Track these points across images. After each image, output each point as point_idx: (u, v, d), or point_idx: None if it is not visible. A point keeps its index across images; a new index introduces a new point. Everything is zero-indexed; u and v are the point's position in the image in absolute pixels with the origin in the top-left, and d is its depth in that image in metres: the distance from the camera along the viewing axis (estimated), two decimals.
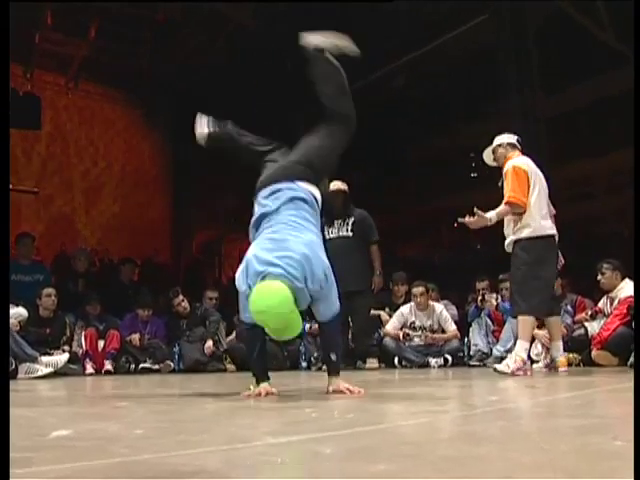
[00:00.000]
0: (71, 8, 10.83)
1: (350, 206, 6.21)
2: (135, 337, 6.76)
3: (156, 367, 6.73)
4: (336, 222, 6.15)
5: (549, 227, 4.70)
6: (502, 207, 4.66)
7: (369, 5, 9.91)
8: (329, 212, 6.12)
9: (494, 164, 5.03)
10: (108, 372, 6.45)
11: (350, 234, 6.11)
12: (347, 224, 6.14)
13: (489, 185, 12.28)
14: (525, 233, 4.63)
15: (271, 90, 12.93)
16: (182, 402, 3.36)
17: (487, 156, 5.13)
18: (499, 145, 4.99)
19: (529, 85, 9.41)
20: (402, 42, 10.86)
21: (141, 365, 6.71)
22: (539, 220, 4.62)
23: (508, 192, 4.63)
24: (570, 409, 2.63)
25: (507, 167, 4.72)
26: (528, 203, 4.62)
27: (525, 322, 4.59)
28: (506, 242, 4.79)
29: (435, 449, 1.60)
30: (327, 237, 6.09)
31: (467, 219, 4.62)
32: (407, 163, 12.63)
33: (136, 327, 6.89)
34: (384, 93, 12.43)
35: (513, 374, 4.42)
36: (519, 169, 4.67)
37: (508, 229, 4.79)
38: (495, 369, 4.62)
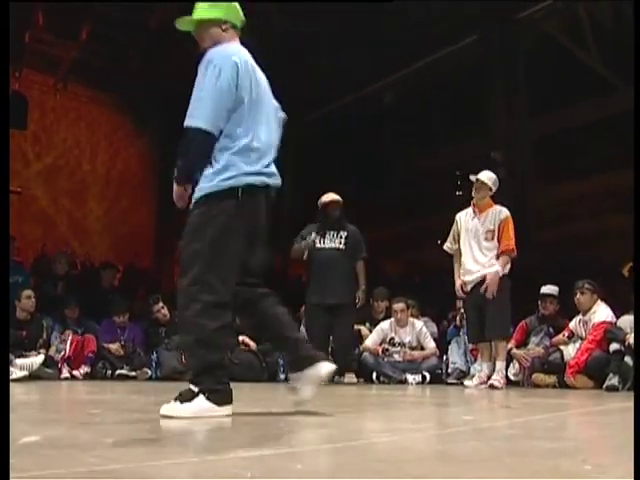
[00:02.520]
0: (63, 9, 10.80)
1: (343, 219, 6.25)
2: (115, 346, 6.70)
3: (133, 374, 6.67)
4: (328, 233, 6.17)
5: None
6: (505, 257, 5.36)
7: (369, 5, 9.97)
8: (323, 222, 6.15)
9: (482, 189, 5.30)
10: (85, 375, 6.38)
11: (342, 247, 6.14)
12: (340, 237, 6.17)
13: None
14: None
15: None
16: (156, 411, 3.33)
17: (488, 179, 5.51)
18: (493, 184, 5.42)
19: (516, 107, 9.52)
20: (392, 60, 10.95)
21: (118, 371, 6.65)
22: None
23: (508, 241, 5.30)
24: (543, 431, 2.64)
25: (505, 216, 5.33)
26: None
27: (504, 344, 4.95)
28: (480, 273, 5.09)
29: (405, 468, 1.60)
30: (318, 246, 6.11)
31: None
32: (392, 180, 12.71)
33: (114, 333, 6.83)
34: (372, 109, 12.51)
35: (492, 387, 4.63)
36: (511, 220, 5.34)
37: (477, 263, 5.09)
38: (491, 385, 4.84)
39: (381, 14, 10.81)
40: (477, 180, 5.37)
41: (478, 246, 5.29)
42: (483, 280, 5.27)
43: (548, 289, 6.39)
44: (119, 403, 3.91)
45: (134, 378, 6.61)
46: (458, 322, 6.77)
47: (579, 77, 10.75)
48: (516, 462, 1.75)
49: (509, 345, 6.36)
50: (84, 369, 6.42)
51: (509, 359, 6.32)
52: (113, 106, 15.13)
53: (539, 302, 6.39)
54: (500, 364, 5.20)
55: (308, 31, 11.57)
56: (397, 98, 11.80)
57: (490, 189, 5.45)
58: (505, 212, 5.27)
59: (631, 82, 11.26)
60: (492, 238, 5.37)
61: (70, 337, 6.50)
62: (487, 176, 5.42)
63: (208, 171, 2.73)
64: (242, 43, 3.09)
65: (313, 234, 6.11)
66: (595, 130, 11.57)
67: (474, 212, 5.52)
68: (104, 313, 7.15)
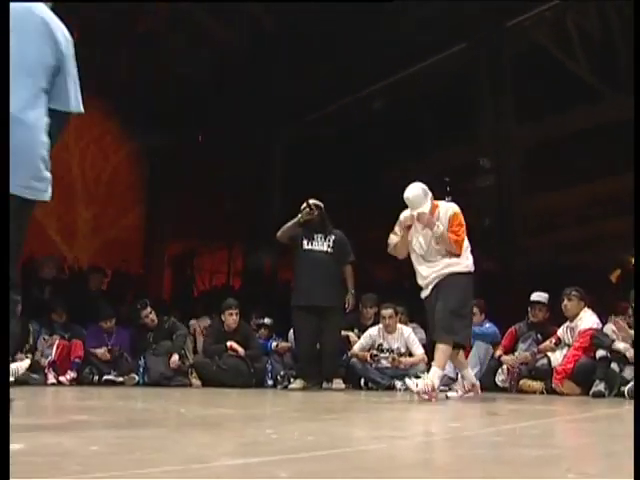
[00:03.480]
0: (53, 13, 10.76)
1: (329, 223, 6.25)
2: (102, 351, 6.65)
3: (120, 379, 6.62)
4: (316, 236, 6.17)
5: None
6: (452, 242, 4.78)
7: (369, 5, 10.01)
8: (309, 227, 6.14)
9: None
10: (72, 381, 6.34)
11: (330, 250, 6.14)
12: (328, 240, 6.17)
13: (464, 210, 12.41)
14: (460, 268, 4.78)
15: (251, 107, 12.99)
16: (142, 417, 3.33)
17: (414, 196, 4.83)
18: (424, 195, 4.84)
19: (503, 114, 9.58)
20: (382, 66, 11.00)
21: (105, 377, 6.60)
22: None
23: (453, 235, 4.76)
24: (528, 439, 2.65)
25: (453, 212, 4.81)
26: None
27: (448, 350, 4.57)
28: (436, 274, 4.73)
29: (389, 477, 1.61)
30: (305, 248, 6.10)
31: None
32: (381, 185, 12.75)
33: (100, 338, 6.78)
34: (361, 116, 12.56)
35: (418, 394, 4.34)
36: (459, 214, 4.88)
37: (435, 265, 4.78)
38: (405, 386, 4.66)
39: (371, 21, 10.87)
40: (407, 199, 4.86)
41: (430, 251, 4.80)
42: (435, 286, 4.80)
43: (538, 296, 6.40)
44: (105, 409, 3.89)
45: (121, 384, 6.57)
46: None
47: (567, 85, 10.84)
48: (500, 470, 1.76)
49: (498, 352, 6.39)
50: (70, 375, 6.36)
51: (497, 365, 6.35)
52: (102, 110, 15.07)
53: (529, 309, 6.41)
54: (434, 371, 4.55)
55: (298, 34, 11.61)
56: (386, 105, 11.84)
57: (428, 202, 4.80)
58: (453, 208, 4.83)
59: (618, 90, 11.40)
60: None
61: (56, 342, 6.45)
62: (412, 194, 4.78)
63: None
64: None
65: (300, 216, 6.10)
66: (583, 138, 11.66)
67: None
68: (91, 318, 7.10)
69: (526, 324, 6.42)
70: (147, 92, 13.99)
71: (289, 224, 6.19)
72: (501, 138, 9.53)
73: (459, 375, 6.33)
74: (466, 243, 4.83)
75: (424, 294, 4.86)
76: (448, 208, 4.84)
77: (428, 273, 4.77)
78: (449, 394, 4.58)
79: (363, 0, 10.05)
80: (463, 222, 4.81)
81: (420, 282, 4.85)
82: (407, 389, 4.61)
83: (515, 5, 9.82)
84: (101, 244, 14.84)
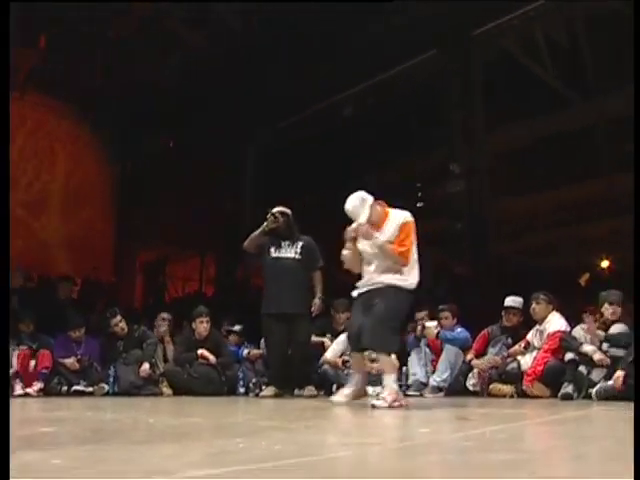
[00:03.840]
0: (20, 16, 10.63)
1: (296, 230, 6.22)
2: (71, 361, 6.54)
3: (90, 389, 6.51)
4: (283, 243, 6.14)
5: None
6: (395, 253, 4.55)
7: (369, 5, 10.05)
8: (276, 233, 6.12)
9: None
10: (40, 391, 6.23)
11: (298, 257, 6.11)
12: (296, 247, 6.14)
13: (435, 215, 12.51)
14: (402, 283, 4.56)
15: (222, 113, 12.94)
16: (110, 428, 3.28)
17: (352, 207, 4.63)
18: (361, 205, 4.60)
19: (473, 121, 9.69)
20: (352, 73, 11.06)
21: (74, 387, 6.49)
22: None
23: (401, 245, 4.51)
24: (497, 443, 2.67)
25: (404, 220, 4.56)
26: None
27: (389, 357, 4.52)
28: (376, 280, 4.54)
29: None
30: (273, 255, 6.07)
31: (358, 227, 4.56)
32: (352, 191, 12.75)
33: (69, 349, 6.67)
34: (331, 123, 12.60)
35: (390, 407, 4.28)
36: (409, 224, 4.58)
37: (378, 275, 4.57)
38: (373, 405, 4.30)
39: (343, 28, 10.93)
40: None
41: (376, 259, 4.61)
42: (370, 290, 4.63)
43: (512, 301, 6.41)
44: (73, 420, 3.82)
45: (91, 394, 6.46)
46: (418, 333, 6.80)
47: (535, 92, 11.00)
48: (465, 476, 1.77)
49: (469, 356, 6.43)
50: (37, 385, 6.25)
51: (468, 369, 6.39)
52: (72, 116, 14.92)
53: (503, 313, 6.44)
54: (387, 379, 4.48)
55: (269, 38, 11.61)
56: (357, 112, 11.90)
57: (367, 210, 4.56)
58: (404, 217, 4.55)
59: (585, 97, 11.60)
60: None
61: (16, 352, 6.33)
62: (350, 204, 4.59)
63: None
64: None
65: (265, 224, 6.06)
66: (551, 144, 11.84)
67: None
68: (60, 327, 6.99)
69: (499, 328, 6.47)
70: (118, 98, 13.89)
71: (255, 233, 6.16)
72: (471, 144, 9.62)
73: (436, 377, 6.37)
74: (414, 257, 4.57)
75: (355, 293, 4.71)
76: (399, 216, 4.60)
77: (369, 277, 4.62)
78: (376, 402, 4.34)
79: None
80: (412, 232, 4.55)
81: (358, 283, 4.70)
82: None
83: (484, 14, 9.95)
84: (71, 252, 14.65)
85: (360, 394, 4.88)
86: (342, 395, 4.84)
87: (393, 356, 6.02)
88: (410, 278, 4.54)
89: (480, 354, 6.42)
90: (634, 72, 5.59)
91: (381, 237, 4.52)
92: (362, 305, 4.63)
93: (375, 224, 4.59)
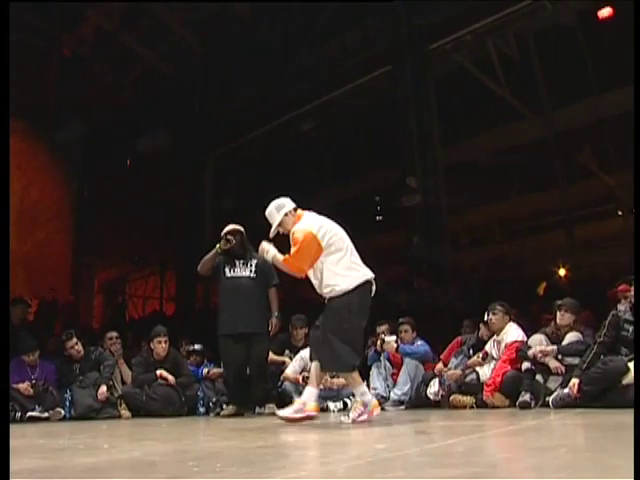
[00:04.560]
0: None
1: (250, 248, 6.17)
2: (24, 386, 6.36)
3: (45, 415, 6.35)
4: (238, 262, 6.09)
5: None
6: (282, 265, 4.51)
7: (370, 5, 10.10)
8: (230, 253, 6.07)
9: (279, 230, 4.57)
10: None
11: (253, 275, 6.06)
12: (250, 265, 6.08)
13: (394, 228, 12.60)
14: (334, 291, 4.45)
15: (180, 130, 12.88)
16: (62, 456, 3.20)
17: (268, 214, 4.63)
18: (277, 211, 4.56)
19: (428, 135, 9.81)
20: (309, 88, 11.12)
21: (29, 413, 6.32)
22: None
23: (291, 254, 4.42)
24: (453, 457, 2.68)
25: (297, 228, 4.45)
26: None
27: (350, 373, 4.46)
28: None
29: None
30: (227, 275, 6.02)
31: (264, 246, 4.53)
32: (312, 206, 12.78)
33: (24, 373, 6.49)
34: (291, 138, 12.64)
35: (354, 422, 4.30)
36: (301, 232, 4.41)
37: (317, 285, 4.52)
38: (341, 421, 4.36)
39: (298, 44, 11.01)
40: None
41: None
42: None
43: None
44: (25, 450, 3.71)
45: (47, 419, 6.31)
46: (379, 347, 6.81)
47: (489, 106, 11.23)
48: None
49: (438, 366, 6.44)
50: None
51: (429, 378, 6.40)
52: (26, 134, 14.66)
53: (480, 325, 6.45)
54: (357, 392, 4.47)
55: (224, 56, 11.64)
56: (313, 128, 11.97)
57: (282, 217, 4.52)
58: (299, 225, 4.43)
59: (536, 109, 11.88)
60: None
61: None
62: (267, 211, 4.59)
63: None
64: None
65: (218, 245, 6.02)
66: (505, 156, 12.09)
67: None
68: (14, 351, 6.80)
69: (475, 338, 6.47)
70: (75, 115, 13.72)
71: (208, 256, 6.09)
72: (427, 157, 9.74)
73: (396, 391, 6.39)
74: (343, 261, 4.40)
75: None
76: (299, 225, 4.46)
77: (317, 289, 4.55)
78: (342, 419, 4.35)
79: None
80: (303, 240, 4.33)
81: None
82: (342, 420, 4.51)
83: (437, 28, 10.13)
84: (26, 273, 14.34)
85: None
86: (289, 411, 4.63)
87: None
88: (339, 282, 4.37)
89: (447, 361, 6.45)
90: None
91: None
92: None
93: (287, 232, 4.54)
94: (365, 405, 4.46)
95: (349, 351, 4.38)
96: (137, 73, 12.84)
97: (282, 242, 4.59)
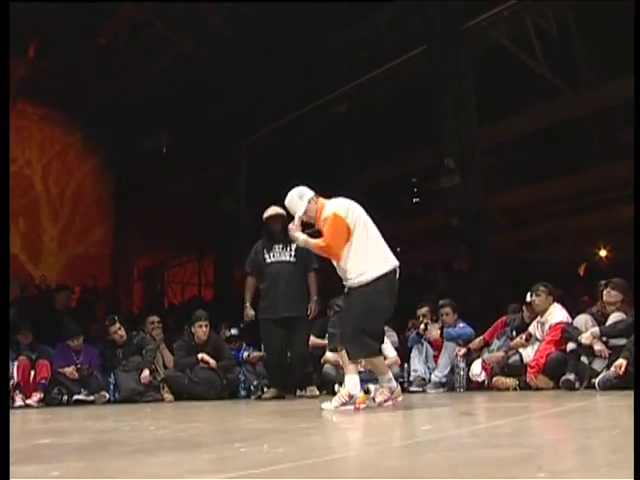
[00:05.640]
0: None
1: None
2: (70, 370, 6.50)
3: (91, 398, 6.49)
4: (277, 247, 6.10)
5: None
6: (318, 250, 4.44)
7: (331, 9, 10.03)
8: (268, 236, 6.09)
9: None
10: (40, 402, 6.19)
11: (293, 260, 6.06)
12: (290, 250, 6.09)
13: (432, 210, 12.47)
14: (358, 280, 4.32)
15: (215, 117, 12.91)
16: (110, 436, 3.24)
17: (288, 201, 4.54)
18: (300, 199, 4.47)
19: (465, 115, 9.65)
20: (343, 70, 11.03)
21: (75, 396, 6.46)
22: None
23: (324, 238, 4.34)
24: (500, 438, 2.64)
25: (326, 215, 4.33)
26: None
27: (377, 359, 4.38)
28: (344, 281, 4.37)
29: None
30: (268, 261, 6.04)
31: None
32: (348, 190, 12.71)
33: (69, 358, 6.63)
34: (324, 121, 12.56)
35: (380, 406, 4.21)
36: (332, 216, 4.31)
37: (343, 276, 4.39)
38: (321, 408, 4.20)
39: (331, 25, 10.90)
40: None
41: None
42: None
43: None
44: (73, 431, 3.79)
45: (92, 403, 6.44)
46: (421, 331, 6.76)
47: (527, 83, 10.97)
48: (470, 473, 1.74)
49: (476, 341, 6.36)
50: (37, 396, 6.21)
51: (471, 360, 6.34)
52: (64, 124, 14.90)
53: (523, 308, 6.34)
54: (383, 379, 4.40)
55: (257, 41, 11.59)
56: (349, 109, 11.87)
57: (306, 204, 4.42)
58: (330, 209, 4.31)
59: (576, 87, 11.58)
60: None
61: (16, 363, 6.29)
62: (288, 200, 4.53)
63: None
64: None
65: (251, 312, 6.08)
66: (544, 136, 11.81)
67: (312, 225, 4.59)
68: (59, 337, 6.95)
69: (520, 320, 6.36)
70: (110, 105, 13.85)
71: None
72: (464, 138, 9.59)
73: (437, 373, 6.35)
74: (370, 247, 4.31)
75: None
76: (327, 210, 4.35)
77: (341, 274, 4.42)
78: (324, 405, 4.18)
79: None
80: (335, 224, 4.25)
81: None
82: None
83: (473, 6, 9.92)
84: (68, 261, 14.64)
85: None
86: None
87: (388, 353, 5.92)
88: (362, 273, 4.25)
89: (490, 342, 6.37)
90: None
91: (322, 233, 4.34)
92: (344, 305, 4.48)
93: (312, 219, 4.48)
94: (392, 391, 4.38)
95: (375, 337, 4.32)
96: (170, 60, 12.87)
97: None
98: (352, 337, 4.27)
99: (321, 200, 4.49)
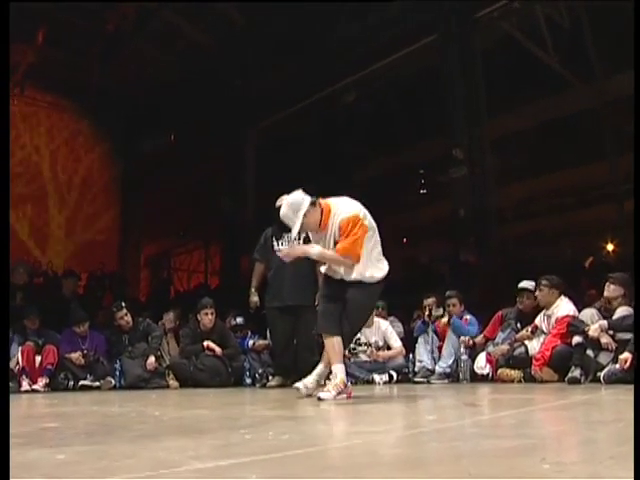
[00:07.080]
0: (17, 12, 10.57)
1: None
2: (76, 355, 6.54)
3: (97, 384, 6.53)
4: (286, 235, 6.09)
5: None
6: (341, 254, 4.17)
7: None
8: (278, 225, 6.08)
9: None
10: (46, 387, 6.23)
11: None
12: (299, 238, 6.09)
13: (439, 201, 12.44)
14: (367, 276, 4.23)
15: (222, 105, 12.88)
16: (115, 422, 3.27)
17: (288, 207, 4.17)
18: (301, 205, 4.12)
19: (474, 105, 9.60)
20: (352, 59, 10.98)
21: (81, 382, 6.50)
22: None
23: (343, 244, 4.13)
24: (504, 429, 2.64)
25: (341, 219, 4.13)
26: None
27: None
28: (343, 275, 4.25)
29: (360, 475, 1.58)
30: (276, 248, 6.04)
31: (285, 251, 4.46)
32: (353, 180, 12.73)
33: (75, 343, 6.67)
34: (334, 110, 12.52)
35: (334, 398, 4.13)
36: (349, 219, 4.13)
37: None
38: (319, 398, 3.98)
39: (341, 15, 10.84)
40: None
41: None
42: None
43: (525, 284, 6.34)
44: (79, 415, 3.82)
45: (98, 388, 6.48)
46: (427, 317, 6.75)
47: (537, 75, 10.90)
48: (474, 463, 1.74)
49: (478, 338, 6.38)
50: (43, 381, 6.26)
51: (475, 353, 6.35)
52: (72, 111, 14.91)
53: (516, 296, 6.36)
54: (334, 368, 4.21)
55: (267, 31, 11.55)
56: (357, 99, 11.82)
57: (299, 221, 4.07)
58: (342, 214, 4.10)
59: (587, 79, 11.50)
60: None
61: (21, 347, 6.33)
62: (281, 213, 4.18)
63: None
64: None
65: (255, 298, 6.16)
66: (554, 127, 11.75)
67: (316, 232, 4.30)
68: (66, 323, 7.00)
69: (515, 311, 6.37)
70: (118, 92, 13.85)
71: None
72: (473, 128, 9.54)
73: (441, 363, 6.36)
74: (376, 249, 4.24)
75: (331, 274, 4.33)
76: (338, 215, 4.12)
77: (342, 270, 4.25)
78: (322, 395, 3.97)
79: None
80: (355, 223, 4.07)
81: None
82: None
83: None
84: (75, 247, 14.68)
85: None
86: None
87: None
88: (372, 271, 4.19)
89: (493, 337, 6.38)
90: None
91: (328, 239, 4.17)
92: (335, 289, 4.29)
93: (316, 226, 4.19)
94: (345, 384, 4.16)
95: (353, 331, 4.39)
96: (179, 47, 12.84)
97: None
98: (350, 334, 4.30)
99: (325, 201, 4.21)
